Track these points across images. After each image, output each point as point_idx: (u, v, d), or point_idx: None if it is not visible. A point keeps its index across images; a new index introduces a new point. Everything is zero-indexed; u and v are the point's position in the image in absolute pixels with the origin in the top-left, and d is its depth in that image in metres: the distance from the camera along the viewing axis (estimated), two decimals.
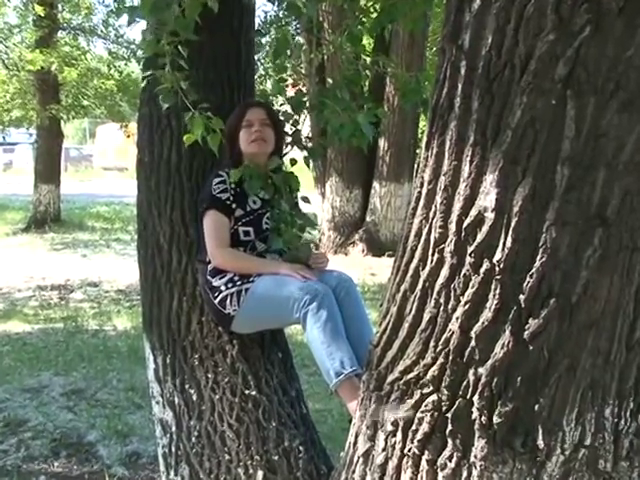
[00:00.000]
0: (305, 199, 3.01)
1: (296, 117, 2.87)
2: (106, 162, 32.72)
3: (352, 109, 2.54)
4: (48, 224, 13.43)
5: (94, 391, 4.77)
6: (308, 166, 3.08)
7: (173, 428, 2.77)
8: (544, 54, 1.52)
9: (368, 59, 3.67)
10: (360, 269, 9.07)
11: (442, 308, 1.67)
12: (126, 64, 15.17)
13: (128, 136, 16.26)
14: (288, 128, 2.94)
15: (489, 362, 1.61)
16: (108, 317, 6.90)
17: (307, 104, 2.87)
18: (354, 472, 1.88)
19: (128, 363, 5.35)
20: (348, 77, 2.81)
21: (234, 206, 2.79)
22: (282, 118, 2.91)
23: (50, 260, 10.19)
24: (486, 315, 1.60)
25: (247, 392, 2.71)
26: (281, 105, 2.91)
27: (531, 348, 1.58)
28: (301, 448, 2.61)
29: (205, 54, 2.86)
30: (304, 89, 3.07)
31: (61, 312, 7.13)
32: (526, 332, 1.58)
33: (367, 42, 9.63)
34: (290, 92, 2.91)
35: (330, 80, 9.45)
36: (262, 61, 12.54)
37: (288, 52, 2.87)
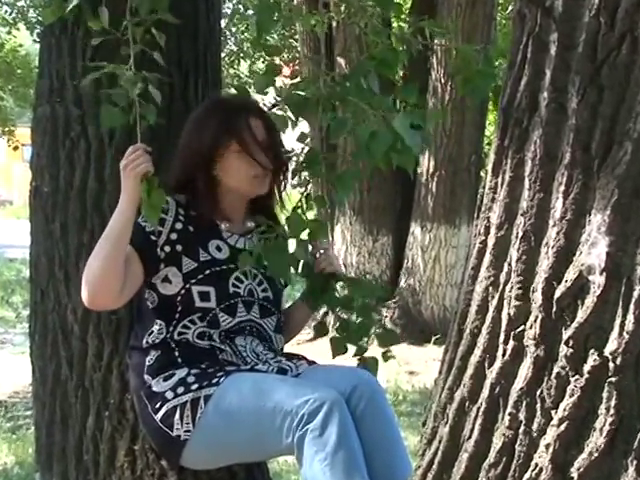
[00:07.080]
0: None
1: (301, 127, 2.87)
2: None
3: (390, 108, 2.54)
4: None
5: None
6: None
7: None
8: None
9: (404, 28, 3.71)
10: (391, 364, 9.02)
11: (523, 429, 1.68)
12: (10, 32, 15.33)
13: (15, 148, 16.38)
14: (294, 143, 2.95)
15: None
16: None
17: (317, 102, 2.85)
18: None
19: None
20: (378, 56, 2.80)
21: (169, 250, 2.81)
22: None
23: None
24: (595, 441, 1.61)
25: None
26: (274, 107, 2.92)
27: None
28: None
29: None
30: (302, 76, 3.09)
31: None
32: None
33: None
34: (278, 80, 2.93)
35: (342, 61, 9.56)
36: (233, 30, 12.69)
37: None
